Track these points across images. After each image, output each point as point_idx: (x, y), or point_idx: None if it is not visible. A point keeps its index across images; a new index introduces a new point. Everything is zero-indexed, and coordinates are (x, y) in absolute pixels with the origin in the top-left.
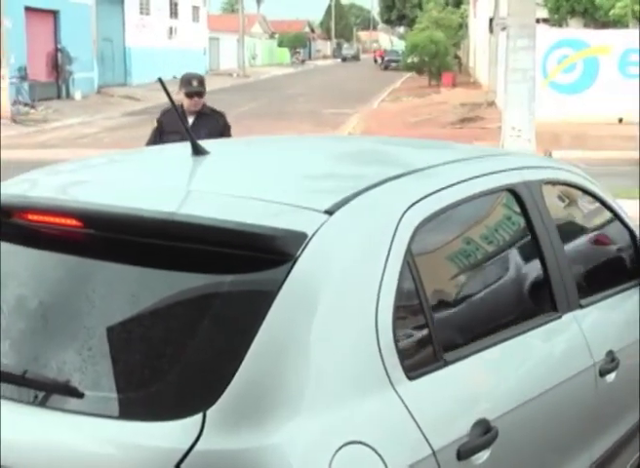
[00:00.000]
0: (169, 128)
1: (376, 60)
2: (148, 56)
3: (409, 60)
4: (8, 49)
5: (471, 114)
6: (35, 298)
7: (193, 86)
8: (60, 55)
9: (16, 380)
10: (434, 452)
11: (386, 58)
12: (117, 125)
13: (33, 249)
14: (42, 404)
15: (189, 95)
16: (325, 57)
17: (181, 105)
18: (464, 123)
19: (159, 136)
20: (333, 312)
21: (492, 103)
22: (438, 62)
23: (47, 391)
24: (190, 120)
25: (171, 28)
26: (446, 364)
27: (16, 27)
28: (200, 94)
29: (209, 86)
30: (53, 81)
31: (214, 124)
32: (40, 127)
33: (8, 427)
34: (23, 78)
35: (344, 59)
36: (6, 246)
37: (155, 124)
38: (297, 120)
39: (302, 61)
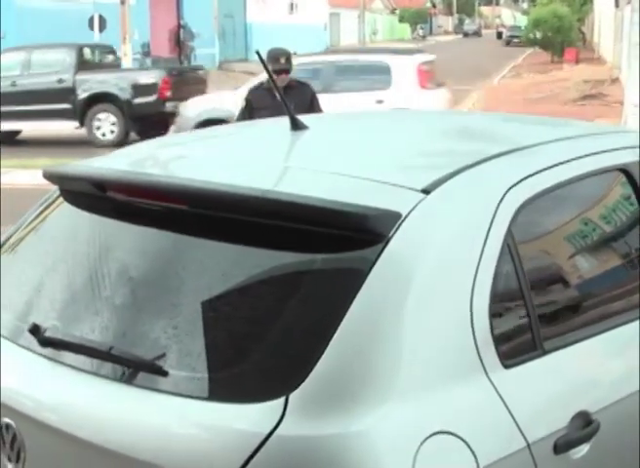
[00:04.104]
0: (257, 104)
1: (498, 36)
2: (269, 31)
3: (531, 36)
4: (131, 25)
5: (594, 91)
6: (125, 274)
7: (280, 63)
8: (182, 31)
9: (101, 356)
10: (529, 445)
11: (508, 34)
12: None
13: (125, 224)
14: (127, 381)
15: (277, 72)
16: (446, 32)
17: (267, 81)
18: (587, 100)
19: (248, 114)
20: (425, 295)
21: (616, 80)
22: (561, 38)
23: (132, 368)
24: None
25: (291, 4)
26: (545, 352)
27: (139, 4)
28: (287, 71)
29: None
30: (175, 57)
31: (302, 96)
32: None
33: (92, 403)
34: (146, 54)
35: (466, 35)
36: (98, 220)
37: (244, 103)
38: None
39: (423, 37)
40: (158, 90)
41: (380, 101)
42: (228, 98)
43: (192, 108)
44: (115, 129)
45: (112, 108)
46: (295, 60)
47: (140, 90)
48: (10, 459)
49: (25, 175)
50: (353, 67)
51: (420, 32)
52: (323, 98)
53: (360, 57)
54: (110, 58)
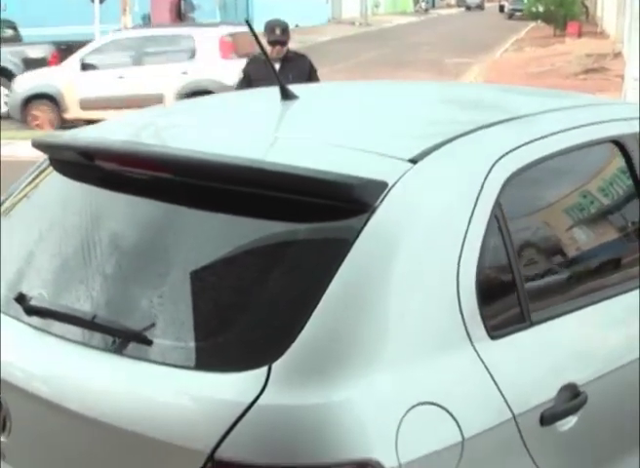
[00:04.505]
0: (255, 76)
1: (501, 9)
2: (271, 3)
3: (533, 9)
4: None
5: (596, 65)
6: (112, 243)
7: (276, 34)
8: (182, 2)
9: (87, 325)
10: (515, 417)
11: (511, 7)
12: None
13: (113, 193)
14: (112, 350)
15: (272, 43)
16: (449, 5)
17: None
18: (588, 74)
19: (246, 86)
20: (411, 265)
21: (618, 54)
22: (564, 11)
23: (117, 337)
24: (276, 66)
25: None
26: (532, 324)
27: None
28: (283, 42)
29: (330, 34)
30: None
31: (300, 68)
32: None
33: (78, 373)
34: (147, 26)
35: (468, 8)
36: (86, 189)
37: (242, 74)
38: (416, 69)
39: (426, 10)
40: (47, 64)
41: (184, 72)
42: (58, 74)
43: (22, 84)
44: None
45: (6, 83)
46: (110, 38)
47: (30, 63)
48: None
49: None
50: (161, 40)
51: (423, 5)
52: (133, 71)
53: (168, 30)
54: (10, 32)
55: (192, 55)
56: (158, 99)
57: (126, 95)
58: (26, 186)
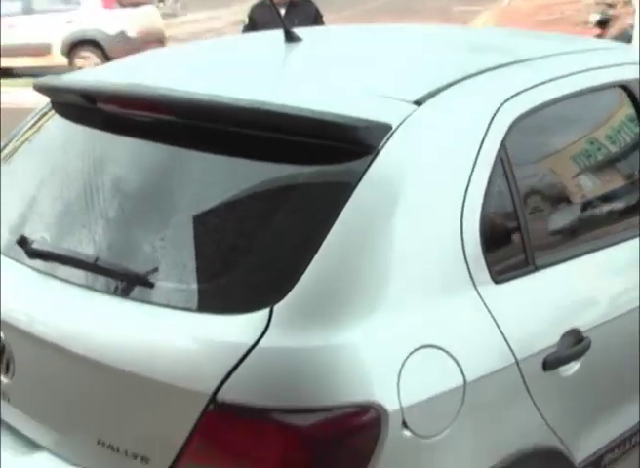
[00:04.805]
0: (261, 20)
1: None
2: None
3: None
4: None
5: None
6: (114, 186)
7: None
8: None
9: (89, 268)
10: (517, 361)
11: None
12: (243, 19)
13: (115, 136)
14: (115, 293)
15: None
16: None
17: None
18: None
19: (251, 31)
20: (415, 207)
21: (628, 2)
22: None
23: (119, 280)
24: (282, 11)
25: None
26: (537, 269)
27: None
28: None
29: None
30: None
31: (305, 13)
32: (168, 21)
33: (81, 315)
34: None
35: None
36: (88, 132)
37: (247, 20)
38: (424, 16)
39: None
40: None
41: (69, 22)
42: None
43: None
44: None
45: None
46: None
47: None
48: None
49: None
50: None
51: None
52: (23, 20)
53: None
54: None
55: (78, 4)
56: (46, 49)
57: (17, 44)
58: (28, 131)
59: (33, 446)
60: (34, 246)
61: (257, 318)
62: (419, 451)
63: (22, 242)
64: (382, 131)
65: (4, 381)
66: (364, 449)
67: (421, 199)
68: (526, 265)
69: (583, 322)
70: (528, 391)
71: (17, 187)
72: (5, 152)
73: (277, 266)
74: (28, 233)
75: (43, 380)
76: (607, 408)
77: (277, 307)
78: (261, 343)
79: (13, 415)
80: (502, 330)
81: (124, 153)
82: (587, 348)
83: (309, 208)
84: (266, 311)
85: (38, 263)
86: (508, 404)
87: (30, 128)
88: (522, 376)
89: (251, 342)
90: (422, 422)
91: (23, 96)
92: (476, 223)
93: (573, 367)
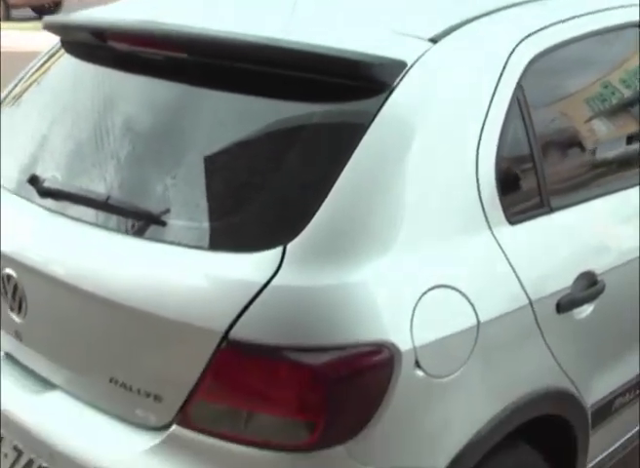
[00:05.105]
0: None
1: None
2: None
3: None
4: None
5: None
6: (125, 125)
7: None
8: None
9: (100, 207)
10: (531, 303)
11: None
12: None
13: (126, 74)
14: (126, 232)
15: None
16: None
17: None
18: None
19: None
20: (429, 146)
21: None
22: None
23: (131, 219)
24: None
25: None
26: (552, 210)
27: None
28: None
29: None
30: None
31: None
32: None
33: (93, 254)
34: None
35: None
36: (99, 70)
37: None
38: None
39: None
40: None
41: None
42: None
43: None
44: None
45: None
46: None
47: None
48: (12, 309)
49: None
50: None
51: None
52: None
53: None
54: None
55: None
56: None
57: None
58: (37, 71)
59: (46, 384)
60: (45, 184)
61: (269, 256)
62: (431, 391)
63: (34, 181)
64: (397, 68)
65: (17, 320)
66: (376, 389)
67: (436, 138)
68: (541, 206)
69: (598, 264)
70: (541, 333)
71: (27, 127)
72: (14, 93)
73: (290, 205)
74: (39, 172)
75: (55, 319)
76: (619, 352)
77: (290, 246)
78: (274, 281)
79: (26, 354)
80: (517, 271)
81: (135, 91)
82: (601, 291)
83: (322, 146)
84: (279, 249)
85: (49, 202)
86: (521, 345)
87: (38, 69)
88: (535, 318)
89: (264, 280)
90: (435, 362)
91: (24, 39)
92: (491, 164)
93: (586, 309)
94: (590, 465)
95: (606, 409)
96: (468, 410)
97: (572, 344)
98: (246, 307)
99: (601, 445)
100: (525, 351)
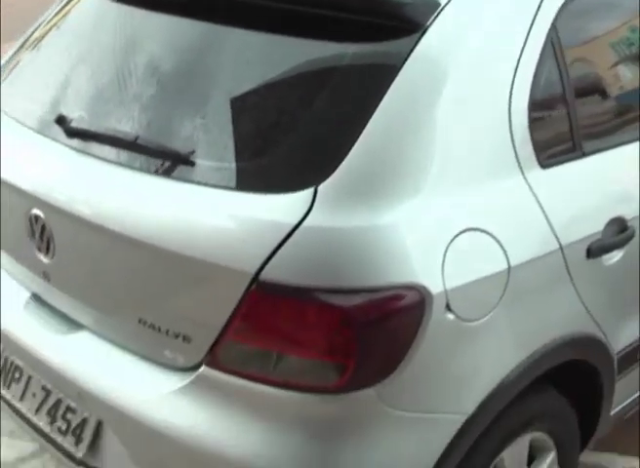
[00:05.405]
0: None
1: None
2: None
3: None
4: None
5: None
6: (151, 65)
7: None
8: None
9: (128, 146)
10: (561, 248)
11: None
12: None
13: (150, 13)
14: (155, 172)
15: None
16: None
17: None
18: None
19: None
20: (462, 88)
21: None
22: None
23: (159, 159)
24: None
25: None
26: (584, 155)
27: None
28: None
29: None
30: None
31: None
32: None
33: (121, 195)
34: None
35: None
36: (123, 10)
37: None
38: None
39: None
40: None
41: None
42: None
43: None
44: None
45: None
46: None
47: None
48: (40, 250)
49: None
50: None
51: None
52: None
53: None
54: None
55: None
56: None
57: None
58: (57, 14)
59: (74, 325)
60: (73, 124)
61: (301, 197)
62: (461, 335)
63: (61, 120)
64: (431, 7)
65: (45, 261)
66: (407, 331)
67: (469, 80)
68: (573, 150)
69: (629, 210)
70: (570, 278)
71: (52, 68)
72: (34, 36)
73: (321, 146)
74: (66, 112)
75: (83, 260)
76: None
77: (322, 187)
78: (306, 222)
79: (54, 295)
80: (548, 215)
81: (161, 30)
82: (631, 237)
83: (353, 87)
84: (311, 190)
85: (76, 142)
86: (550, 290)
87: (58, 12)
88: (565, 263)
89: (295, 221)
90: (466, 306)
91: None
92: (524, 106)
93: (616, 255)
94: (613, 412)
95: (632, 357)
96: (497, 355)
97: (600, 290)
98: (277, 248)
99: (625, 392)
100: (554, 296)
